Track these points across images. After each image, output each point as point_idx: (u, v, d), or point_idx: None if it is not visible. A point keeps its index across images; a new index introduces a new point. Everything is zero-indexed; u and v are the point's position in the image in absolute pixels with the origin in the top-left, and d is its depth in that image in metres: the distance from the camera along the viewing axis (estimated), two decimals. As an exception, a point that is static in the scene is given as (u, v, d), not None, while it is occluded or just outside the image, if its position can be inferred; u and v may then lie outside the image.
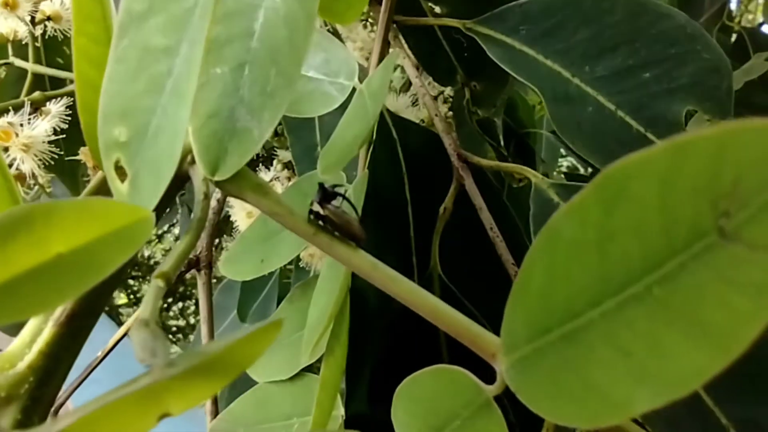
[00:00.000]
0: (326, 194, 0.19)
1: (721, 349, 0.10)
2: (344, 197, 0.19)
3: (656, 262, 0.11)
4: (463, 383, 0.18)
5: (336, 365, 0.25)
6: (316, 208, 0.18)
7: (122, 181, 0.18)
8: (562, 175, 0.94)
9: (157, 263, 2.05)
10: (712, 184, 0.10)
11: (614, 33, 0.33)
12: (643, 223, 0.11)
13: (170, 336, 2.02)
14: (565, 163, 1.05)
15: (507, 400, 0.20)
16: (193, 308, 2.05)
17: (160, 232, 1.85)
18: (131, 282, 2.00)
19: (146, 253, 1.97)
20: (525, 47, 0.34)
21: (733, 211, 0.10)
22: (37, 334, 0.17)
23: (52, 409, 0.18)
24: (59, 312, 0.17)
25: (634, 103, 0.32)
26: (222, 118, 0.19)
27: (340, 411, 0.31)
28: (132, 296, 2.07)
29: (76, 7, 0.20)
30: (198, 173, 0.19)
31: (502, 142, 0.74)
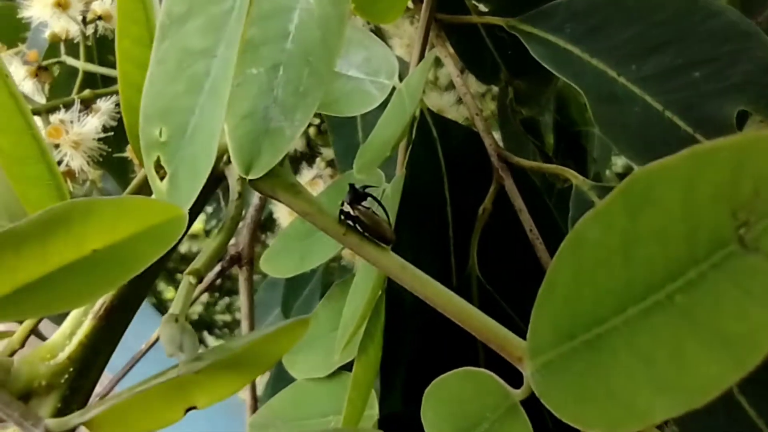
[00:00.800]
0: (356, 195, 0.19)
1: (738, 360, 0.10)
2: (375, 198, 0.19)
3: (678, 269, 0.11)
4: (489, 386, 0.18)
5: (369, 364, 0.25)
6: (347, 208, 0.19)
7: (162, 179, 0.19)
8: (616, 175, 0.91)
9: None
10: (732, 193, 0.10)
11: (663, 31, 0.32)
12: (667, 230, 0.11)
13: (217, 330, 2.06)
14: (620, 162, 1.03)
15: (545, 407, 0.20)
16: (238, 304, 2.09)
17: (208, 228, 1.89)
18: (179, 276, 2.04)
19: (194, 249, 2.01)
20: (569, 45, 0.33)
21: (752, 222, 0.10)
22: (77, 326, 0.18)
23: (96, 399, 0.19)
24: (98, 306, 0.18)
25: (683, 103, 0.31)
26: (256, 118, 0.19)
27: (374, 410, 0.31)
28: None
29: (120, 9, 0.20)
30: (233, 172, 0.19)
31: (552, 141, 0.73)
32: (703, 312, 0.11)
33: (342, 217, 0.18)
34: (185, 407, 0.12)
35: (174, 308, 0.14)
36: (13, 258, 0.12)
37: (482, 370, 0.18)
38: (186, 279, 0.15)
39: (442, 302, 0.17)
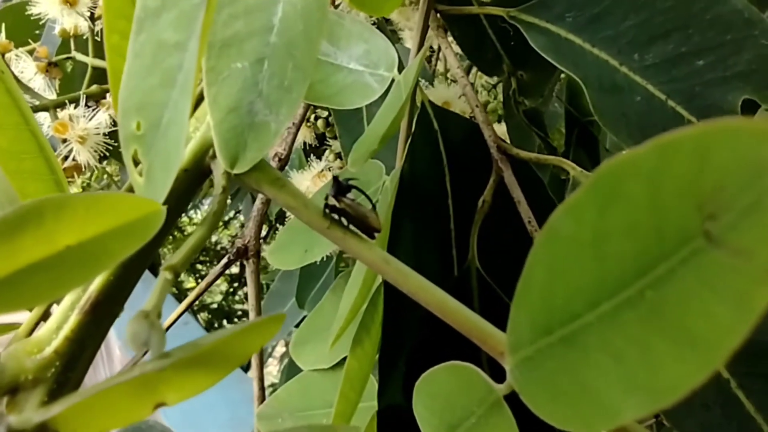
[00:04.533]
0: (341, 187, 0.19)
1: (704, 360, 0.10)
2: (360, 190, 0.19)
3: (648, 265, 0.11)
4: (474, 381, 0.17)
5: (364, 357, 0.25)
6: (331, 201, 0.18)
7: (140, 173, 0.19)
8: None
9: (224, 248, 2.12)
10: (698, 186, 0.09)
11: (666, 19, 0.31)
12: (635, 224, 0.11)
13: (236, 319, 2.08)
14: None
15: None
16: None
17: (226, 218, 1.90)
18: (199, 267, 2.07)
19: (213, 239, 2.03)
20: (571, 35, 0.33)
21: (718, 215, 0.09)
22: (63, 321, 0.18)
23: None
24: (84, 300, 0.18)
25: (687, 92, 0.31)
26: (241, 113, 0.19)
27: (374, 402, 0.31)
28: (200, 280, 2.14)
29: (106, 5, 0.20)
30: (219, 167, 0.19)
31: (563, 131, 0.72)
32: (672, 309, 0.11)
33: (327, 210, 0.18)
34: (154, 404, 0.13)
35: (147, 304, 0.14)
36: (-21, 256, 0.12)
37: (467, 364, 0.18)
38: (162, 275, 0.15)
39: (424, 296, 0.17)
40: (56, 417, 0.11)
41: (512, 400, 0.17)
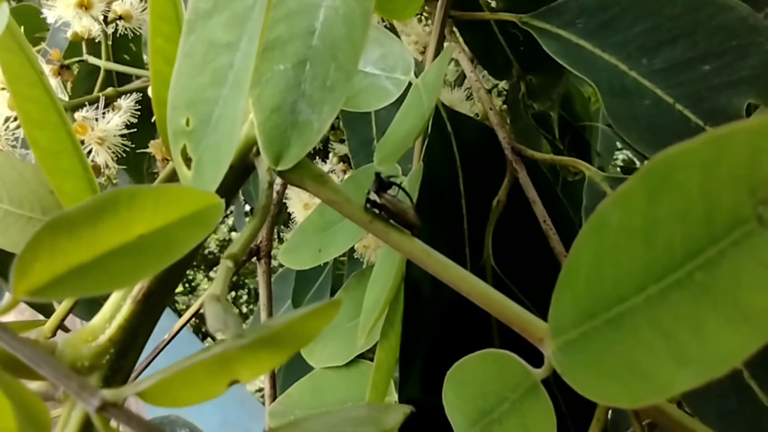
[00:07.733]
0: (382, 183, 0.20)
1: (759, 331, 0.11)
2: (400, 186, 0.20)
3: (698, 248, 0.12)
4: (511, 367, 0.18)
5: (390, 350, 0.26)
6: (373, 196, 0.19)
7: (188, 167, 0.19)
8: (618, 169, 0.92)
9: (211, 253, 2.12)
10: (751, 173, 0.10)
11: (673, 25, 0.32)
12: (686, 211, 0.12)
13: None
14: (621, 156, 1.03)
15: (558, 393, 0.21)
16: (245, 297, 2.11)
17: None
18: (187, 271, 2.07)
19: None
20: (581, 41, 0.34)
21: (771, 199, 0.10)
22: (116, 310, 0.18)
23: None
24: (136, 290, 0.18)
25: (693, 97, 0.32)
26: (284, 112, 0.20)
27: (393, 396, 0.32)
28: (187, 285, 2.14)
29: (152, 8, 0.21)
30: (262, 164, 0.20)
31: (557, 136, 0.74)
32: (723, 287, 0.12)
33: (368, 205, 0.19)
34: (228, 381, 0.13)
35: (215, 289, 0.15)
36: (66, 241, 0.13)
37: (503, 351, 0.19)
38: (224, 263, 0.16)
39: (465, 286, 0.18)
40: (144, 391, 0.12)
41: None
